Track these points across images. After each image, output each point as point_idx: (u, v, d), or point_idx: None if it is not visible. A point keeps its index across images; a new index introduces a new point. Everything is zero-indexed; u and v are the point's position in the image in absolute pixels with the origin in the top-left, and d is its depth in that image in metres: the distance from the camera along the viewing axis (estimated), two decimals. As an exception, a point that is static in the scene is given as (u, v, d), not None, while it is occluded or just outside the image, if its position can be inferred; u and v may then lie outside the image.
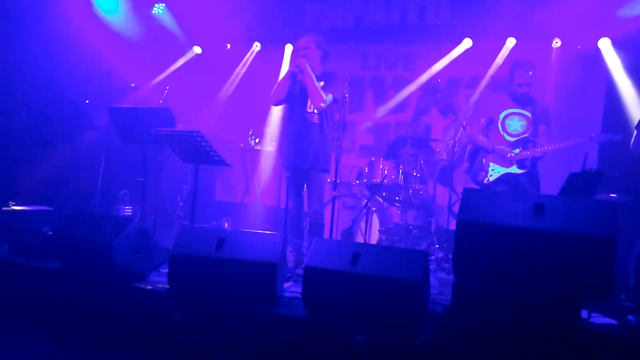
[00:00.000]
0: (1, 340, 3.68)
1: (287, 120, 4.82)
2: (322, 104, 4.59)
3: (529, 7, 6.00)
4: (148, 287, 3.76)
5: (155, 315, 3.62)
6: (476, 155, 5.17)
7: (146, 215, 5.09)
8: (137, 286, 3.79)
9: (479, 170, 5.11)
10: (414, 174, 5.85)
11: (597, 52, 6.16)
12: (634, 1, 5.62)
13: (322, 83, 4.67)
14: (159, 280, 3.93)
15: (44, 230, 4.51)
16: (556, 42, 6.32)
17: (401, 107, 7.36)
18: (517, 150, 4.91)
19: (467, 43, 6.73)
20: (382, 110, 7.45)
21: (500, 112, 5.04)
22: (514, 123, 5.00)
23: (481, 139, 5.11)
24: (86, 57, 6.45)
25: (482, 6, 6.35)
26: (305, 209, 4.94)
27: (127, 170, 6.04)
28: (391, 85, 7.43)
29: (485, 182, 5.05)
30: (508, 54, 6.48)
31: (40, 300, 3.98)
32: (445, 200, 5.86)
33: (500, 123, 5.04)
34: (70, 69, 6.39)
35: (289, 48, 7.45)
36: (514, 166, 4.95)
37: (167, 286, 3.69)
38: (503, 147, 4.96)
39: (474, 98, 6.72)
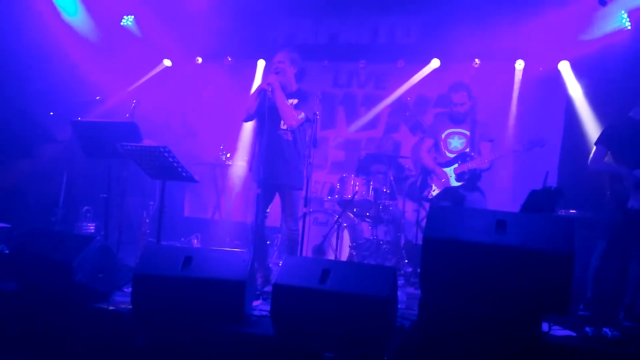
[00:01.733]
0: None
1: (259, 136, 4.76)
2: (295, 124, 4.59)
3: (494, 30, 6.16)
4: (110, 308, 3.67)
5: (118, 337, 3.53)
6: (425, 175, 5.44)
7: (110, 233, 4.96)
8: (99, 307, 3.69)
9: (425, 186, 5.39)
10: (384, 190, 5.90)
11: (558, 73, 6.39)
12: (593, 27, 5.82)
13: (295, 101, 4.65)
14: (123, 300, 3.83)
15: (0, 248, 4.36)
16: (519, 64, 6.50)
17: (372, 124, 7.42)
18: (453, 176, 5.20)
19: (435, 63, 6.87)
20: (353, 127, 7.50)
21: (442, 132, 5.34)
22: (454, 141, 5.29)
23: (426, 158, 5.41)
24: (50, 69, 6.32)
25: (449, 28, 6.50)
26: (275, 225, 4.92)
27: (90, 186, 5.93)
28: (362, 102, 7.50)
29: (429, 197, 5.32)
30: (473, 75, 6.61)
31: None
32: (415, 216, 5.91)
33: (442, 142, 5.33)
34: (32, 80, 6.25)
35: (261, 63, 7.45)
36: (452, 179, 5.20)
37: (131, 306, 3.59)
38: (440, 172, 5.26)
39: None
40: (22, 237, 4.11)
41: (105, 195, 4.90)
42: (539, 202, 3.95)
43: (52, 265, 3.75)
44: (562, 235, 3.14)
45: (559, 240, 3.13)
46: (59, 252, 3.79)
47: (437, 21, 6.74)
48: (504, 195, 5.87)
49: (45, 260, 3.81)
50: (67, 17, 6.70)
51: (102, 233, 5.02)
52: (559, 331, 3.61)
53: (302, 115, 4.62)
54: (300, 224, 4.77)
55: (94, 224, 6.06)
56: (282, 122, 4.63)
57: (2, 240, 4.72)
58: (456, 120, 5.31)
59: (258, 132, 4.82)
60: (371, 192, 5.87)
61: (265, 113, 4.55)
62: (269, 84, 4.56)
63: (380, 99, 7.28)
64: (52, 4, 6.56)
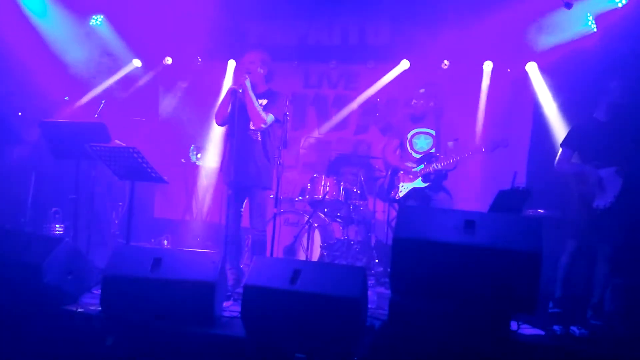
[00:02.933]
0: None
1: (229, 137, 4.76)
2: (263, 125, 4.62)
3: (463, 32, 6.25)
4: (79, 310, 3.63)
5: (87, 339, 3.49)
6: (393, 175, 5.46)
7: (79, 234, 4.90)
8: (68, 308, 3.65)
9: (392, 187, 5.41)
10: (355, 190, 5.94)
11: (525, 75, 6.49)
12: (559, 29, 5.95)
13: (264, 101, 4.68)
14: (91, 302, 3.79)
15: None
16: (487, 65, 6.60)
17: (343, 124, 7.46)
18: (421, 166, 5.21)
19: (404, 64, 6.93)
20: (324, 128, 7.53)
21: (407, 132, 5.37)
22: (420, 142, 5.34)
23: (392, 158, 5.44)
24: (16, 69, 6.20)
25: (419, 29, 6.58)
26: (246, 226, 4.91)
27: (59, 187, 5.82)
28: (333, 103, 7.53)
29: (396, 198, 5.34)
30: (443, 76, 6.69)
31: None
32: (385, 216, 5.97)
33: (408, 142, 5.36)
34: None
35: (231, 64, 7.43)
36: (419, 179, 5.25)
37: (100, 308, 3.56)
38: (408, 165, 5.28)
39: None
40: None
41: (74, 197, 4.83)
42: (507, 202, 4.04)
43: (21, 267, 3.69)
44: (530, 234, 3.20)
45: (526, 239, 3.18)
46: (28, 253, 3.73)
47: (406, 22, 6.80)
48: (471, 195, 5.96)
49: (14, 261, 3.74)
50: (35, 18, 6.58)
51: (71, 234, 4.95)
52: (527, 330, 3.65)
53: (271, 116, 4.65)
54: (271, 224, 4.79)
55: (62, 225, 5.96)
56: (250, 123, 4.65)
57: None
58: (416, 119, 5.36)
59: (228, 133, 4.81)
60: (342, 193, 5.91)
61: (235, 114, 4.57)
62: (239, 85, 4.56)
63: (351, 99, 7.32)
64: (18, 4, 6.43)
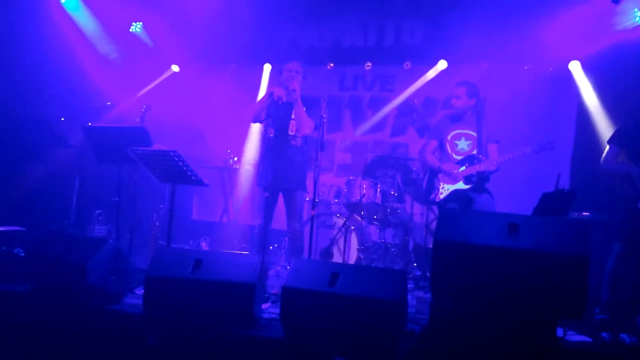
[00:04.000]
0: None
1: (267, 140, 4.87)
2: (308, 131, 4.82)
3: (502, 30, 6.13)
4: (122, 310, 3.70)
5: (130, 338, 3.56)
6: (432, 176, 5.36)
7: (121, 236, 5.01)
8: (112, 308, 3.73)
9: (432, 189, 5.31)
10: (392, 192, 5.89)
11: (568, 73, 6.32)
12: (605, 26, 5.78)
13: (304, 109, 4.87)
14: (134, 302, 3.86)
15: (15, 251, 4.41)
16: (528, 65, 6.46)
17: (379, 126, 7.42)
18: (463, 168, 5.11)
19: (442, 64, 6.84)
20: (360, 130, 7.50)
21: (448, 134, 5.27)
22: (461, 143, 5.22)
23: (431, 160, 5.35)
24: (62, 75, 6.37)
25: (456, 29, 6.46)
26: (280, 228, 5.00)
27: (102, 190, 5.96)
28: (368, 105, 7.50)
29: (436, 200, 5.24)
30: (482, 76, 6.57)
31: (11, 323, 3.87)
32: (423, 219, 5.90)
33: (448, 143, 5.26)
34: (44, 86, 6.30)
35: (267, 67, 7.48)
36: (460, 182, 5.13)
37: (142, 308, 3.62)
38: (449, 165, 5.19)
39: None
40: (36, 240, 4.14)
41: (116, 199, 4.94)
42: (552, 204, 3.94)
43: (66, 268, 3.78)
44: (576, 238, 3.11)
45: (573, 243, 3.09)
46: (73, 254, 3.82)
47: (443, 22, 6.69)
48: (514, 198, 5.83)
49: (59, 262, 3.84)
50: (83, 30, 6.78)
51: (114, 236, 5.06)
52: (574, 336, 3.54)
53: (313, 122, 4.85)
54: (308, 227, 4.80)
55: (105, 227, 6.09)
56: (290, 127, 4.82)
57: (17, 244, 4.76)
58: (455, 119, 5.27)
59: (267, 136, 4.87)
60: (379, 195, 5.86)
61: (278, 118, 4.76)
62: (292, 90, 4.78)
63: (387, 101, 7.27)
64: (66, 13, 6.63)
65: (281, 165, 4.79)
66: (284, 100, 4.90)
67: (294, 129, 4.89)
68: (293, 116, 4.91)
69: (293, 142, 4.85)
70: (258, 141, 7.23)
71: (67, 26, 6.67)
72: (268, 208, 4.86)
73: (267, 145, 4.92)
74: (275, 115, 4.84)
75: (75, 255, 3.80)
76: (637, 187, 4.19)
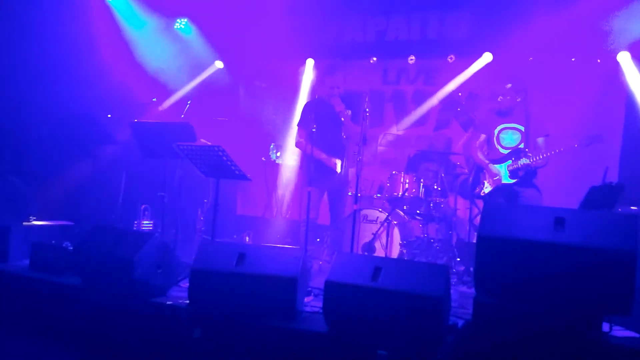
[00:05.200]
0: (22, 356, 3.70)
1: (319, 139, 5.10)
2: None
3: (548, 22, 5.98)
4: (168, 302, 3.76)
5: (176, 331, 3.62)
6: (478, 171, 5.35)
7: (167, 230, 5.11)
8: (158, 301, 3.79)
9: (477, 183, 5.30)
10: (435, 187, 5.82)
11: (617, 65, 6.14)
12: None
13: (349, 112, 5.33)
14: (180, 295, 3.93)
15: (64, 245, 4.54)
16: (576, 57, 6.29)
17: (422, 120, 7.35)
18: (509, 162, 5.08)
19: (487, 57, 6.71)
20: (402, 124, 7.45)
21: (494, 127, 5.24)
22: (508, 137, 5.20)
23: (478, 155, 5.33)
24: (108, 72, 6.54)
25: (501, 21, 6.35)
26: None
27: (148, 185, 6.08)
28: (412, 99, 7.43)
29: (481, 194, 5.23)
30: (528, 68, 6.43)
31: (61, 315, 4.00)
32: (467, 213, 5.82)
33: (496, 138, 5.24)
34: (91, 84, 6.48)
35: (310, 62, 7.50)
36: (506, 176, 5.10)
37: (188, 301, 3.69)
38: (492, 169, 5.17)
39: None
40: (85, 235, 4.26)
41: (162, 194, 5.04)
42: (599, 198, 3.84)
43: (114, 261, 3.88)
44: (624, 232, 3.02)
45: (620, 238, 3.01)
46: (120, 248, 3.92)
47: (488, 14, 6.60)
48: (561, 191, 5.68)
49: (107, 256, 3.94)
50: (129, 28, 6.95)
51: (159, 230, 5.17)
52: (620, 332, 3.44)
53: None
54: (350, 221, 4.82)
55: (151, 222, 6.23)
56: (342, 131, 5.27)
57: (66, 238, 4.93)
58: (502, 114, 5.22)
59: (319, 136, 5.10)
60: (421, 190, 5.81)
61: (330, 121, 5.24)
62: (345, 114, 5.32)
63: (430, 95, 7.19)
64: (109, 9, 6.80)
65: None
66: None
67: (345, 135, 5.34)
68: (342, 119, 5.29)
69: (343, 143, 5.31)
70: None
71: (111, 25, 6.83)
72: (314, 203, 5.13)
73: (319, 144, 5.17)
74: (327, 118, 5.22)
75: (122, 249, 3.90)
76: None
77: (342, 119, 5.29)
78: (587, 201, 3.89)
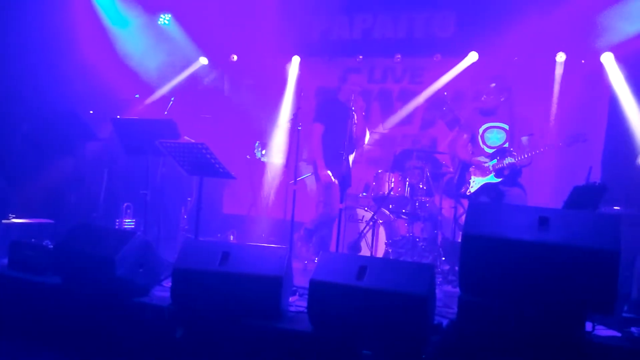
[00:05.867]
0: (1, 355, 3.65)
1: (331, 137, 5.32)
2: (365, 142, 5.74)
3: (534, 22, 6.01)
4: (150, 302, 3.73)
5: (158, 330, 3.58)
6: (463, 170, 5.34)
7: (149, 229, 5.06)
8: (140, 301, 3.75)
9: (462, 183, 5.31)
10: (421, 186, 5.82)
11: (601, 66, 6.19)
12: (627, 20, 5.65)
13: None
14: (162, 294, 3.89)
15: (44, 243, 4.44)
16: (560, 57, 6.33)
17: (408, 119, 7.35)
18: (494, 161, 5.09)
19: (472, 57, 6.73)
20: (388, 123, 7.44)
21: (479, 127, 5.26)
22: (493, 136, 5.22)
23: (463, 153, 5.34)
24: (90, 69, 6.45)
25: (487, 20, 6.38)
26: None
27: (130, 183, 6.01)
28: (398, 98, 7.43)
29: (467, 193, 5.24)
30: (513, 68, 6.47)
31: (41, 315, 3.93)
32: (452, 213, 5.83)
33: (480, 137, 5.25)
34: (73, 80, 6.38)
35: (295, 60, 7.47)
36: (492, 175, 5.12)
37: (170, 300, 3.64)
38: (480, 159, 5.17)
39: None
40: (65, 233, 4.19)
41: (144, 192, 4.98)
42: (583, 198, 3.87)
43: (95, 260, 3.82)
44: (607, 232, 3.06)
45: (604, 237, 3.04)
46: (101, 247, 3.86)
47: (474, 13, 6.63)
48: (545, 191, 5.74)
49: (88, 255, 3.88)
50: (111, 24, 6.86)
51: (142, 229, 5.11)
52: (603, 331, 3.48)
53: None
54: (336, 220, 4.81)
55: (134, 220, 6.16)
56: (354, 131, 5.27)
57: (46, 236, 4.84)
58: (486, 113, 5.24)
59: (333, 136, 5.29)
60: (407, 189, 5.81)
61: (344, 121, 5.20)
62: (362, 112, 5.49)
63: (416, 93, 7.19)
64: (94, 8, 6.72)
65: (344, 162, 5.19)
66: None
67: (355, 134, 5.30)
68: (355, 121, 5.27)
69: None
70: (286, 134, 7.23)
71: (93, 21, 6.74)
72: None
73: (332, 144, 5.28)
74: (342, 118, 5.18)
75: (104, 248, 3.84)
76: None
77: (363, 113, 5.41)
78: (570, 201, 3.91)
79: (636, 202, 4.90)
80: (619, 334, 3.47)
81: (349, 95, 5.33)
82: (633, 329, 3.52)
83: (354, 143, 5.47)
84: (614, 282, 2.97)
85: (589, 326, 3.33)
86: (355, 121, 5.18)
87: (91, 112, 6.27)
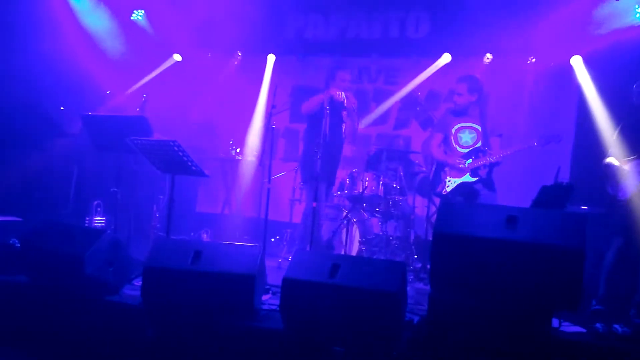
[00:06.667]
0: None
1: (323, 137, 5.07)
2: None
3: (506, 25, 6.11)
4: (121, 301, 3.69)
5: (128, 330, 3.55)
6: (438, 170, 5.37)
7: (120, 227, 4.99)
8: (110, 300, 3.72)
9: (438, 183, 5.33)
10: (394, 185, 5.87)
11: (570, 68, 6.31)
12: (606, 22, 5.77)
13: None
14: (133, 293, 3.85)
15: (11, 242, 4.37)
16: (531, 59, 6.44)
17: (382, 119, 7.39)
18: (469, 161, 5.12)
19: (446, 58, 6.81)
20: (363, 123, 7.46)
21: (452, 127, 5.30)
22: (465, 136, 5.25)
23: (437, 153, 5.36)
24: (60, 63, 6.33)
25: (461, 22, 6.46)
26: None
27: (101, 180, 5.92)
28: (372, 97, 7.46)
29: (443, 193, 5.25)
30: (485, 69, 6.56)
31: (7, 315, 3.86)
32: (425, 212, 5.89)
33: (453, 137, 5.28)
34: (43, 74, 6.26)
35: (271, 58, 7.45)
36: (467, 175, 5.15)
37: (141, 300, 3.60)
38: (456, 160, 5.20)
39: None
40: (33, 231, 4.10)
41: (115, 189, 4.92)
42: (550, 197, 3.93)
43: (64, 259, 3.76)
44: (574, 231, 3.12)
45: (570, 235, 3.10)
46: (70, 245, 3.80)
47: (448, 15, 6.71)
48: (514, 190, 5.82)
49: (56, 253, 3.81)
50: (84, 19, 6.74)
51: (113, 227, 5.04)
52: (569, 327, 3.60)
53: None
54: (310, 219, 4.80)
55: (104, 218, 6.07)
56: (343, 129, 5.32)
57: (13, 234, 4.73)
58: (457, 113, 5.29)
59: (324, 134, 5.06)
60: (381, 188, 5.85)
61: (334, 119, 5.15)
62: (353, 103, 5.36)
63: (391, 94, 7.24)
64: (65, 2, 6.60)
65: (334, 161, 5.32)
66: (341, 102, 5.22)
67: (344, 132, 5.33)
68: (345, 120, 5.27)
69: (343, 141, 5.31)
70: (260, 132, 7.20)
71: (64, 15, 6.60)
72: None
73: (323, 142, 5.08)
74: (330, 116, 5.06)
75: (73, 246, 3.78)
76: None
77: (354, 106, 5.34)
78: (539, 200, 3.98)
79: (603, 202, 5.01)
80: (584, 330, 3.60)
81: (338, 91, 5.27)
82: (598, 325, 3.62)
83: (344, 139, 5.46)
84: (579, 279, 3.04)
85: (555, 322, 3.42)
86: (345, 119, 5.18)
87: (62, 108, 6.15)
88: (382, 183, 5.84)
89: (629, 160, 4.27)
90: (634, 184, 4.19)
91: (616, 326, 3.59)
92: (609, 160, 4.38)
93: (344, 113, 5.16)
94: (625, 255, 4.28)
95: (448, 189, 5.23)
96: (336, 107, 5.15)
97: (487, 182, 5.17)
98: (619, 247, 4.27)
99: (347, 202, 6.04)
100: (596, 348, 3.33)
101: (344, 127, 5.20)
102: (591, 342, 3.41)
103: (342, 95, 5.12)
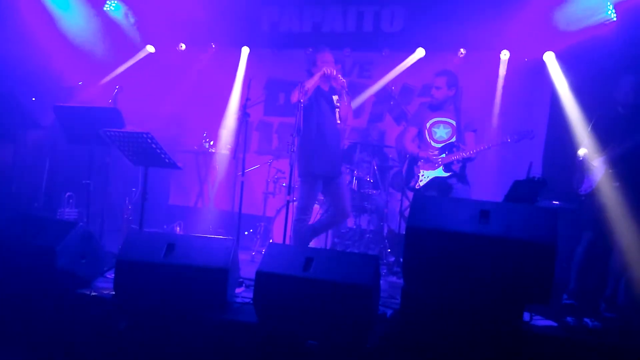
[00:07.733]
0: None
1: (317, 128, 4.93)
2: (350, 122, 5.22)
3: (479, 20, 6.16)
4: (93, 294, 3.67)
5: (100, 323, 3.53)
6: (411, 164, 5.36)
7: (92, 219, 4.93)
8: (82, 292, 3.69)
9: (411, 177, 5.31)
10: (368, 179, 5.91)
11: (543, 64, 6.38)
12: (578, 18, 5.87)
13: (336, 97, 5.02)
14: (105, 286, 3.83)
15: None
16: (504, 54, 6.51)
17: (356, 113, 7.37)
18: (443, 155, 5.12)
19: (420, 52, 6.84)
20: (337, 116, 7.46)
21: (426, 121, 5.27)
22: (439, 130, 5.22)
23: (411, 147, 5.34)
24: (32, 53, 6.20)
25: (435, 17, 6.49)
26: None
27: (73, 172, 5.83)
28: (347, 91, 7.45)
29: (416, 187, 5.24)
30: (459, 64, 6.61)
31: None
32: (398, 206, 5.94)
33: (427, 131, 5.26)
34: (14, 65, 6.12)
35: (245, 50, 7.40)
36: (440, 169, 5.13)
37: (113, 292, 3.59)
38: (430, 153, 5.19)
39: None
40: (4, 223, 4.04)
41: (87, 182, 4.86)
42: (523, 192, 3.99)
43: (35, 251, 3.72)
44: (545, 225, 3.17)
45: (541, 230, 3.15)
46: (41, 237, 3.76)
47: (422, 10, 6.72)
48: (487, 185, 5.90)
49: (27, 246, 3.77)
50: (55, 8, 6.60)
51: (85, 219, 4.98)
52: (540, 321, 3.64)
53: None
54: (284, 212, 4.80)
55: (76, 210, 5.99)
56: (337, 116, 4.98)
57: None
58: (434, 107, 5.27)
59: (316, 125, 4.92)
60: (355, 181, 5.88)
61: (326, 107, 4.95)
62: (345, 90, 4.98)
63: (365, 87, 7.25)
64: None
65: (334, 152, 4.94)
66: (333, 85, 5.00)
67: (340, 117, 5.00)
68: (338, 104, 4.98)
69: (339, 130, 5.03)
70: (235, 124, 7.15)
71: (35, 5, 6.47)
72: (317, 195, 5.00)
73: (317, 133, 4.93)
74: (322, 104, 4.94)
75: (44, 239, 3.74)
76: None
77: (345, 89, 4.99)
78: (511, 194, 4.04)
79: (575, 197, 5.10)
80: (555, 324, 3.64)
81: (327, 69, 4.96)
82: (569, 319, 3.69)
83: (340, 126, 5.16)
84: (550, 273, 3.09)
85: (527, 316, 3.47)
86: (337, 103, 4.99)
87: (33, 99, 6.02)
88: (355, 177, 5.88)
89: (600, 157, 4.34)
90: (595, 180, 4.28)
91: (587, 320, 3.66)
92: (581, 151, 4.44)
93: (335, 97, 4.98)
94: (595, 250, 4.38)
95: (421, 183, 5.22)
96: (325, 94, 5.01)
97: (461, 177, 5.20)
98: (589, 242, 4.35)
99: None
100: (567, 342, 3.38)
101: (337, 113, 4.99)
102: (562, 336, 3.46)
103: (333, 72, 4.90)
